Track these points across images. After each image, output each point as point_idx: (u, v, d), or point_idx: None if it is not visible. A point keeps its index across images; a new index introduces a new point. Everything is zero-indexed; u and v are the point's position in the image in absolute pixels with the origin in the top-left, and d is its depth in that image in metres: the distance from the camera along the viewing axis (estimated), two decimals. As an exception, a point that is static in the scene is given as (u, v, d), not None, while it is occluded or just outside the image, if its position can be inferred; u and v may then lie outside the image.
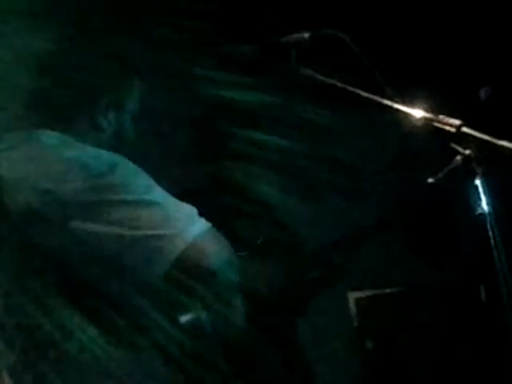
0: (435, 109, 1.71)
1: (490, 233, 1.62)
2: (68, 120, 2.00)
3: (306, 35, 1.85)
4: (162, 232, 1.80)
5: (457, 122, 1.67)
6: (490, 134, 1.62)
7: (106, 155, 1.88)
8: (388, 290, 3.61)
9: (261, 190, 2.63)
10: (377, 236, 2.71)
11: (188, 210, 1.88)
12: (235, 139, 2.65)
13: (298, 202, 3.25)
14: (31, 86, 2.04)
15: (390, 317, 3.61)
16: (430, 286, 3.56)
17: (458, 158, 1.65)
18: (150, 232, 1.80)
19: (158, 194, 1.87)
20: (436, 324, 3.53)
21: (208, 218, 1.89)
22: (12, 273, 1.89)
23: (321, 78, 1.82)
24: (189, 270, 1.80)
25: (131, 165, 1.89)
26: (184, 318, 1.97)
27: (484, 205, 1.63)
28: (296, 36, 1.85)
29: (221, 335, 2.04)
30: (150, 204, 1.82)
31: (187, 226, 1.83)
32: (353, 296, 3.59)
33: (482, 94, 2.92)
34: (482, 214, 1.62)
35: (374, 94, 1.76)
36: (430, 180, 1.64)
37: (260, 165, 2.58)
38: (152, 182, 1.88)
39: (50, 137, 1.93)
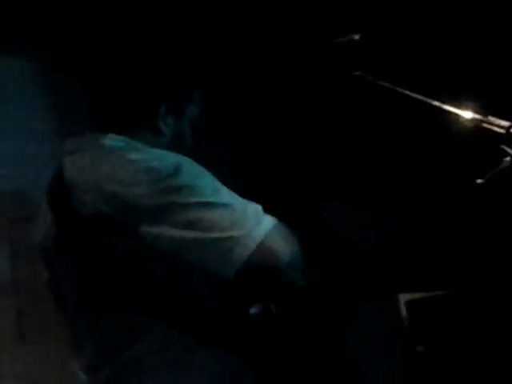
0: (484, 110, 1.71)
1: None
2: (130, 124, 2.02)
3: (357, 37, 1.86)
4: (231, 233, 1.81)
5: (506, 123, 1.68)
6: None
7: (171, 157, 1.90)
8: (440, 293, 3.59)
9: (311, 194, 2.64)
10: (428, 238, 2.70)
11: (254, 208, 1.88)
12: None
13: (348, 205, 3.27)
14: (92, 93, 2.08)
15: (441, 320, 3.59)
16: (481, 289, 3.53)
17: (507, 159, 1.65)
18: (220, 234, 1.81)
19: (225, 194, 1.88)
20: (488, 328, 3.50)
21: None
22: (83, 274, 1.92)
23: (371, 79, 1.84)
24: (257, 270, 1.82)
25: (197, 166, 1.90)
26: (253, 310, 1.98)
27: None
28: (347, 37, 1.87)
29: (288, 327, 2.04)
30: (217, 205, 1.83)
31: (255, 225, 1.83)
32: (404, 298, 3.57)
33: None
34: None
35: (424, 95, 1.77)
36: (479, 181, 1.65)
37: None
38: (218, 183, 1.89)
39: (114, 140, 1.96)
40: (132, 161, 1.88)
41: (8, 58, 2.98)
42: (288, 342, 2.02)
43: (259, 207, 1.89)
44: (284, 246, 1.85)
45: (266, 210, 1.91)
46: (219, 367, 1.92)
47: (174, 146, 2.04)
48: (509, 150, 1.66)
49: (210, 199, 1.84)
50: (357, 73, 1.86)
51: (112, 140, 1.96)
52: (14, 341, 2.72)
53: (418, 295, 3.61)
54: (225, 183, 1.91)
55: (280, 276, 1.85)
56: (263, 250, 1.82)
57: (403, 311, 3.61)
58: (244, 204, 1.88)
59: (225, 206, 1.84)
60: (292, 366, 2.02)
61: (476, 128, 1.71)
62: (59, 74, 3.06)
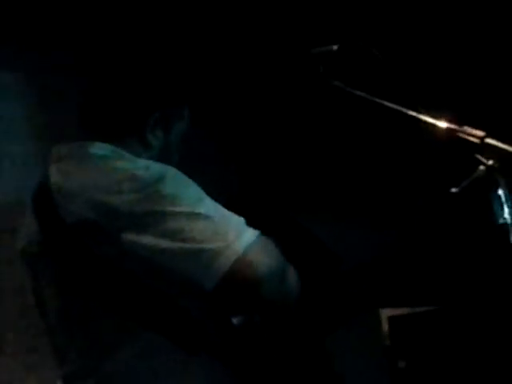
0: (459, 120, 1.73)
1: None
2: (118, 135, 2.02)
3: (335, 47, 1.88)
4: (211, 245, 1.82)
5: (481, 132, 1.69)
6: (513, 145, 1.64)
7: (156, 166, 1.91)
8: (421, 309, 3.59)
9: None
10: (409, 254, 2.71)
11: (236, 220, 1.89)
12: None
13: (333, 220, 3.28)
14: (81, 102, 2.09)
15: (423, 336, 3.59)
16: (464, 304, 3.54)
17: (482, 168, 1.67)
18: (200, 245, 1.81)
19: (208, 205, 1.88)
20: (469, 343, 3.50)
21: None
22: (66, 280, 1.92)
23: (348, 89, 1.85)
24: (237, 282, 1.82)
25: (181, 176, 1.90)
26: (236, 320, 1.98)
27: (506, 215, 1.64)
28: (325, 48, 1.89)
29: (271, 337, 2.04)
30: (199, 216, 1.83)
31: (236, 237, 1.83)
32: (385, 314, 3.58)
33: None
34: (505, 224, 1.64)
35: (400, 105, 1.79)
36: (454, 190, 1.66)
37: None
38: (202, 194, 1.90)
39: (100, 148, 1.97)
40: (117, 169, 1.89)
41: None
42: (271, 352, 2.03)
43: (242, 220, 1.89)
44: (265, 259, 1.85)
45: (251, 223, 1.91)
46: (206, 373, 1.92)
47: (163, 159, 2.03)
48: (483, 160, 1.67)
49: (193, 209, 1.84)
50: (335, 83, 1.88)
51: (98, 148, 1.97)
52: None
53: (399, 311, 3.61)
54: (210, 194, 1.91)
55: (259, 288, 1.85)
56: (243, 263, 1.82)
57: (385, 327, 3.61)
58: (226, 216, 1.88)
59: (207, 217, 1.84)
60: (275, 375, 2.03)
61: (451, 137, 1.73)
62: (47, 85, 3.07)
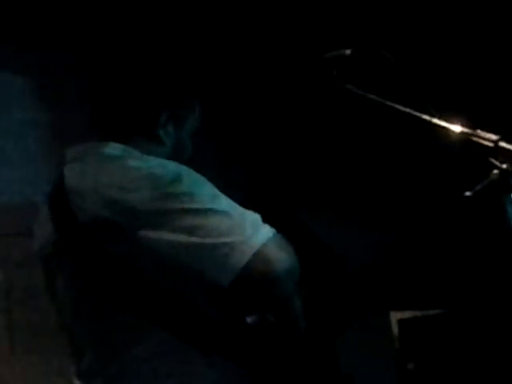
0: (473, 123, 1.73)
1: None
2: (130, 133, 2.04)
3: (348, 51, 1.88)
4: (228, 240, 1.82)
5: (494, 136, 1.70)
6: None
7: (171, 165, 1.92)
8: (431, 312, 3.59)
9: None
10: (419, 256, 2.71)
11: (253, 217, 1.89)
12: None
13: (337, 222, 3.28)
14: (92, 103, 2.10)
15: (432, 339, 3.59)
16: (473, 308, 3.54)
17: (495, 172, 1.67)
18: (218, 240, 1.81)
19: (224, 202, 1.89)
20: (478, 346, 3.50)
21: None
22: (81, 280, 1.93)
23: (361, 92, 1.86)
24: (253, 278, 1.82)
25: (196, 174, 1.91)
26: (251, 319, 1.98)
27: (520, 219, 1.64)
28: (338, 52, 1.89)
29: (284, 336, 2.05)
30: (216, 212, 1.84)
31: (253, 233, 1.84)
32: (395, 316, 3.58)
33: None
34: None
35: (414, 109, 1.79)
36: (468, 193, 1.66)
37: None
38: (217, 191, 1.90)
39: (114, 148, 1.98)
40: (132, 167, 1.90)
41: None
42: (282, 352, 2.03)
43: (258, 216, 1.90)
44: (282, 256, 1.85)
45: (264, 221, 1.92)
46: (216, 373, 1.92)
47: (175, 155, 2.05)
48: (497, 163, 1.68)
49: (209, 206, 1.85)
50: (348, 87, 1.88)
51: (112, 148, 1.97)
52: (5, 352, 2.72)
53: (409, 314, 3.62)
54: (224, 192, 1.92)
55: (276, 285, 1.85)
56: (260, 258, 1.82)
57: (395, 329, 3.61)
58: (242, 212, 1.89)
59: (223, 213, 1.85)
60: (286, 375, 2.03)
61: (465, 141, 1.73)
62: (55, 87, 3.08)
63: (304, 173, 3.51)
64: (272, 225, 1.91)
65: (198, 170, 1.93)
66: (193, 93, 2.14)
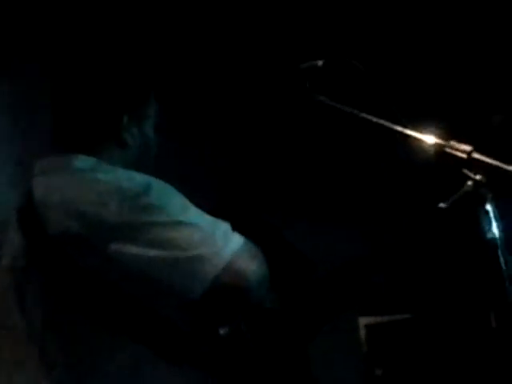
0: (446, 134, 1.74)
1: (501, 258, 1.64)
2: (96, 142, 2.02)
3: (320, 62, 1.88)
4: (198, 252, 1.81)
5: (468, 147, 1.70)
6: (500, 160, 1.65)
7: (139, 177, 1.90)
8: (398, 317, 3.61)
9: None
10: (388, 261, 2.72)
11: (223, 226, 1.88)
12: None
13: (309, 226, 3.28)
14: (53, 117, 2.08)
15: (399, 343, 3.61)
16: (440, 313, 3.56)
17: (469, 183, 1.67)
18: (188, 253, 1.81)
19: (193, 213, 1.88)
20: (446, 351, 3.53)
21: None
22: (51, 293, 1.90)
23: (334, 104, 1.85)
24: (225, 289, 1.82)
25: (164, 185, 1.90)
26: (223, 330, 1.97)
27: (494, 229, 1.65)
28: (310, 63, 1.89)
29: (258, 345, 2.04)
30: (185, 225, 1.83)
31: (223, 244, 1.83)
32: (363, 322, 3.59)
33: (495, 120, 2.95)
34: (493, 239, 1.64)
35: (387, 120, 1.79)
36: (442, 205, 1.66)
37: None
38: (187, 202, 1.89)
39: (83, 161, 1.96)
40: (101, 181, 1.88)
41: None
42: (256, 360, 2.03)
43: (228, 226, 1.89)
44: (252, 266, 1.85)
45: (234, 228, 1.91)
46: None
47: (143, 155, 2.05)
48: (471, 174, 1.68)
49: (179, 218, 1.84)
50: (320, 98, 1.88)
51: (81, 161, 1.96)
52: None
53: (377, 319, 3.63)
54: (193, 202, 1.91)
55: (248, 295, 1.85)
56: (231, 270, 1.82)
57: (363, 334, 3.62)
58: (213, 223, 1.88)
59: (193, 225, 1.84)
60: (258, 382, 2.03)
61: (438, 152, 1.73)
62: (19, 97, 3.05)
63: (277, 179, 3.51)
64: (242, 229, 1.91)
65: (166, 173, 1.92)
66: (148, 87, 2.11)
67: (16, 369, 1.98)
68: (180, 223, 1.83)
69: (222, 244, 1.83)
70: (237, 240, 1.86)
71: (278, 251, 2.29)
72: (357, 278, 2.70)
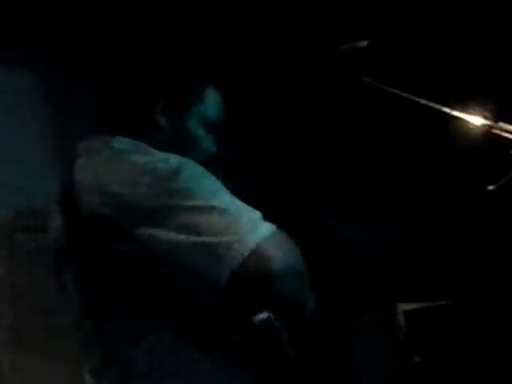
0: (494, 115, 1.71)
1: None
2: (131, 123, 2.04)
3: (364, 43, 1.86)
4: (224, 239, 1.79)
5: (517, 128, 1.68)
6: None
7: (174, 159, 1.89)
8: (438, 303, 3.58)
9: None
10: (429, 246, 2.70)
11: (251, 214, 1.87)
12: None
13: (346, 213, 3.26)
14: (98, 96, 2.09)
15: (438, 330, 3.58)
16: (481, 299, 3.53)
17: (518, 165, 1.65)
18: (213, 239, 1.80)
19: (224, 199, 1.86)
20: (486, 339, 3.50)
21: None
22: (87, 276, 1.92)
23: (380, 86, 1.83)
24: (250, 276, 1.80)
25: (198, 168, 1.89)
26: (257, 318, 1.96)
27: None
28: (354, 44, 1.87)
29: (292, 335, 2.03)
30: (213, 210, 1.82)
31: (250, 231, 1.81)
32: (402, 308, 3.57)
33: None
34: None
35: (432, 101, 1.77)
36: (491, 187, 1.64)
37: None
38: (218, 186, 1.88)
39: (121, 142, 1.97)
40: (135, 163, 1.89)
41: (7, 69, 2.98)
42: (292, 349, 2.02)
43: (257, 213, 1.88)
44: (279, 254, 1.82)
45: (269, 216, 1.89)
46: (221, 373, 1.92)
47: (178, 144, 2.04)
48: (519, 156, 1.66)
49: (207, 203, 1.83)
50: (364, 79, 1.86)
51: (119, 142, 1.97)
52: (12, 347, 2.71)
53: (416, 305, 3.60)
54: (229, 187, 1.90)
55: (273, 284, 1.82)
56: (256, 257, 1.79)
57: (401, 321, 3.60)
58: (241, 209, 1.86)
59: (222, 210, 1.82)
60: (295, 373, 2.02)
61: (486, 134, 1.71)
62: (60, 81, 3.06)
63: (316, 165, 3.50)
64: (280, 216, 1.90)
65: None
66: (201, 81, 2.11)
67: (54, 355, 1.99)
68: (208, 208, 1.82)
69: (249, 230, 1.81)
70: (265, 227, 1.84)
71: (317, 234, 2.28)
72: (399, 260, 2.69)
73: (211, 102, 2.11)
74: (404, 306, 3.58)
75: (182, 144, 2.06)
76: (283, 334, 1.99)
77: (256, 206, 1.91)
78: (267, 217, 1.90)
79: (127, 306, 1.88)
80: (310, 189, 3.20)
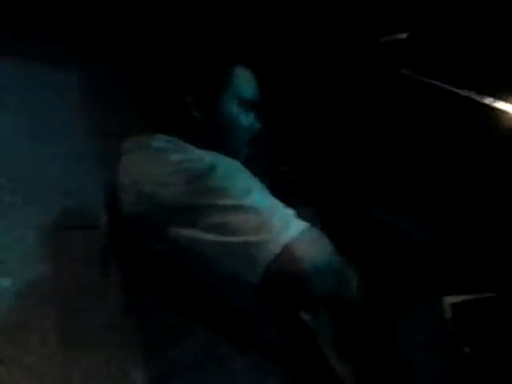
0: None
1: None
2: (168, 119, 2.04)
3: (404, 35, 1.85)
4: (255, 238, 1.77)
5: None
6: None
7: (208, 157, 1.88)
8: (485, 295, 3.55)
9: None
10: (476, 238, 2.68)
11: (283, 212, 1.84)
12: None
13: (396, 202, 3.24)
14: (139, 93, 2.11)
15: (487, 321, 3.56)
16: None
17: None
18: (244, 238, 1.78)
19: (256, 196, 1.84)
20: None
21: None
22: (127, 273, 1.94)
23: (419, 77, 1.82)
24: (282, 276, 1.77)
25: (232, 165, 1.88)
26: (306, 315, 1.96)
27: None
28: (393, 36, 1.86)
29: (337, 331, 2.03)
30: (245, 209, 1.80)
31: (281, 230, 1.78)
32: (448, 300, 3.55)
33: None
34: None
35: (474, 92, 1.75)
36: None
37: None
38: (251, 183, 1.87)
39: (161, 140, 1.96)
40: (171, 162, 1.88)
41: (47, 67, 3.00)
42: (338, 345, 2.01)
43: (289, 211, 1.85)
44: (311, 252, 1.79)
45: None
46: (257, 371, 1.91)
47: (212, 134, 2.04)
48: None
49: (240, 202, 1.80)
50: (404, 71, 1.85)
51: (159, 141, 1.97)
52: (59, 346, 2.74)
53: (463, 297, 3.58)
54: (263, 181, 1.89)
55: (306, 284, 1.79)
56: (287, 256, 1.76)
57: (448, 313, 3.59)
58: (273, 208, 1.84)
59: (254, 209, 1.80)
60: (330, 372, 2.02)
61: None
62: (99, 81, 3.08)
63: (358, 157, 3.48)
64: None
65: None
66: (227, 64, 2.08)
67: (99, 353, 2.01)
68: (241, 207, 1.80)
69: (280, 229, 1.78)
70: (297, 226, 1.81)
71: (366, 226, 2.27)
72: (449, 254, 2.66)
73: (243, 82, 2.08)
74: (451, 299, 3.57)
75: (219, 131, 2.05)
76: (320, 334, 1.99)
77: (294, 201, 1.91)
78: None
79: (166, 306, 1.88)
80: (360, 182, 3.19)
